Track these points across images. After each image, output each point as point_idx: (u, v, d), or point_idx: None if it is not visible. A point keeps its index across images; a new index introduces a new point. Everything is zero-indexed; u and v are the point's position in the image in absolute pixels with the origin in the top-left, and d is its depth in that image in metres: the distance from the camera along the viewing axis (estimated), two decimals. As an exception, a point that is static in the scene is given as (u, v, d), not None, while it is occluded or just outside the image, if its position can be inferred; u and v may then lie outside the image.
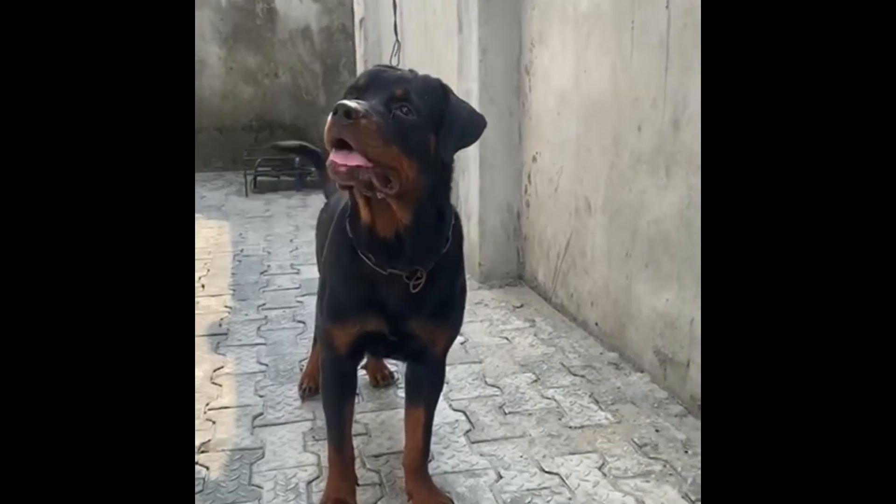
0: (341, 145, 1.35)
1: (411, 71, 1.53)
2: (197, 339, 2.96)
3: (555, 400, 2.39)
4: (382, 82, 1.44)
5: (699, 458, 2.01)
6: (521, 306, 3.34)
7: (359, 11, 7.18)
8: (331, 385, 1.77)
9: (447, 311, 1.69)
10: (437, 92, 1.51)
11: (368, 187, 1.41)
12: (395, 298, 1.60)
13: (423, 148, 1.45)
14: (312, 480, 1.95)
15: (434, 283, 1.60)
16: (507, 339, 2.94)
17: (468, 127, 1.57)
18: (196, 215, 5.44)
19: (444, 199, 1.61)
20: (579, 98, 2.87)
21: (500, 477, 1.96)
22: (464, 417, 2.29)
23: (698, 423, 2.19)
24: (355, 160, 1.35)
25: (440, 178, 1.55)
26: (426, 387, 1.80)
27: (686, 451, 2.05)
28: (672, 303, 2.32)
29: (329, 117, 1.34)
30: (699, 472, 1.94)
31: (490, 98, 3.41)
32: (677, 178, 2.22)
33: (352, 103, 1.33)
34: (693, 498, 1.84)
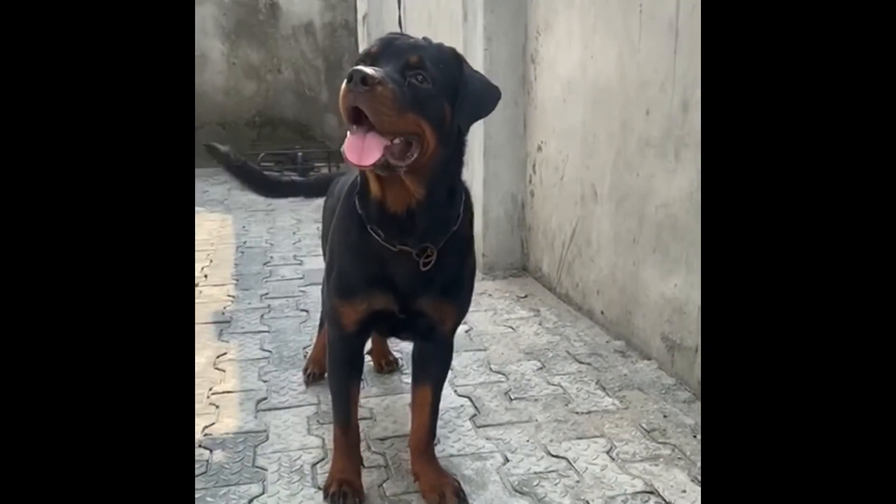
0: (356, 113, 1.32)
1: (425, 39, 1.50)
2: (200, 327, 2.94)
3: (561, 386, 2.37)
4: (396, 49, 1.41)
5: (708, 442, 1.98)
6: (526, 296, 3.32)
7: (362, 7, 7.17)
8: (338, 363, 1.75)
9: (456, 288, 1.67)
10: (452, 61, 1.47)
11: (384, 167, 1.39)
12: (403, 276, 1.57)
13: (439, 118, 1.42)
14: (317, 462, 1.92)
15: (444, 260, 1.57)
16: (511, 327, 2.92)
17: (483, 97, 1.54)
18: (198, 208, 5.42)
19: (457, 174, 1.59)
20: (586, 84, 2.85)
21: (507, 460, 1.93)
22: (469, 403, 2.26)
23: (707, 409, 2.17)
24: (370, 156, 1.32)
25: (453, 152, 1.52)
26: (434, 366, 1.78)
27: (695, 436, 2.03)
28: (681, 288, 2.30)
29: (343, 84, 1.31)
30: (708, 456, 1.92)
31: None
32: (687, 161, 2.20)
33: (368, 70, 1.30)
34: (703, 481, 1.81)
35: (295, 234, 4.64)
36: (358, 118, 1.33)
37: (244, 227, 4.90)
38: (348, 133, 1.37)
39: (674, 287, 2.34)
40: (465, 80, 1.47)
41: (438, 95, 1.41)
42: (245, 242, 4.45)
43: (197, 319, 3.02)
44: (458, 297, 1.68)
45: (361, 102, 1.29)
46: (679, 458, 1.92)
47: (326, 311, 1.76)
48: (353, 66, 1.35)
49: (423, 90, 1.37)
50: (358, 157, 1.33)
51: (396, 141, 1.36)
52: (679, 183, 2.26)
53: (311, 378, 2.38)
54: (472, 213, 1.70)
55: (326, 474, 1.83)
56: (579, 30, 2.86)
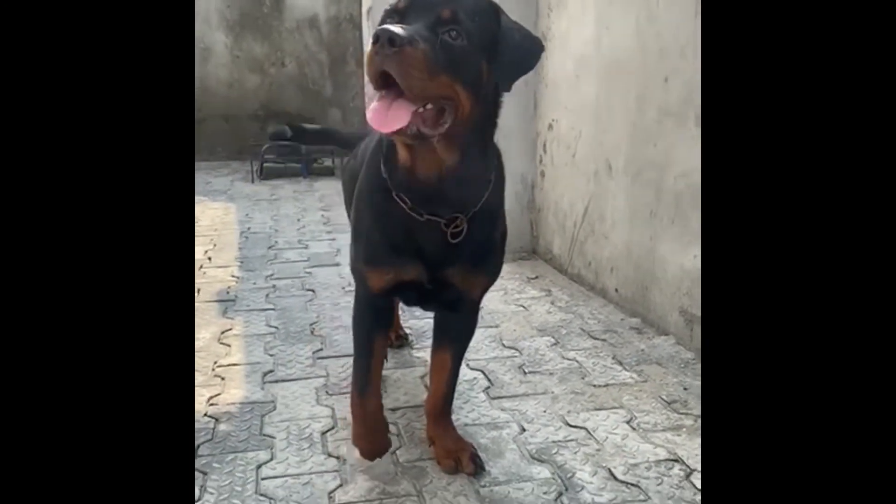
0: (385, 78, 1.20)
1: None
2: (203, 305, 2.87)
3: (576, 361, 2.30)
4: (426, 3, 1.26)
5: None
6: (536, 278, 3.25)
7: (367, 1, 7.12)
8: (362, 316, 1.62)
9: (486, 256, 1.55)
10: (488, 12, 1.33)
11: (416, 137, 1.27)
12: (432, 245, 1.46)
13: (476, 78, 1.29)
14: (327, 431, 1.86)
15: (474, 229, 1.46)
16: (523, 306, 2.85)
17: (524, 52, 1.38)
18: (202, 198, 5.35)
19: (490, 137, 1.46)
20: (600, 58, 2.79)
21: (524, 430, 1.87)
22: (482, 375, 2.20)
23: (728, 382, 2.10)
24: (396, 122, 1.21)
25: (489, 114, 1.41)
26: (456, 332, 1.69)
27: (717, 408, 1.96)
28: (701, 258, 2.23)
29: (369, 46, 1.19)
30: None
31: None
32: (707, 127, 2.14)
33: (395, 28, 1.17)
34: (728, 450, 1.74)
35: (299, 221, 4.58)
36: (386, 83, 1.21)
37: (248, 214, 4.83)
38: (375, 98, 1.26)
39: (693, 258, 2.27)
40: (504, 33, 1.33)
41: (475, 53, 1.27)
42: (249, 228, 4.38)
43: (200, 298, 2.96)
44: (487, 265, 1.57)
45: (390, 66, 1.17)
46: (702, 429, 1.86)
47: (353, 271, 1.65)
48: (379, 25, 1.22)
49: (458, 48, 1.24)
50: (382, 122, 1.22)
51: (428, 107, 1.25)
52: (699, 151, 2.19)
53: None
54: (503, 176, 1.57)
55: (337, 442, 1.77)
56: (594, 2, 2.80)
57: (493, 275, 1.61)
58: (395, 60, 1.17)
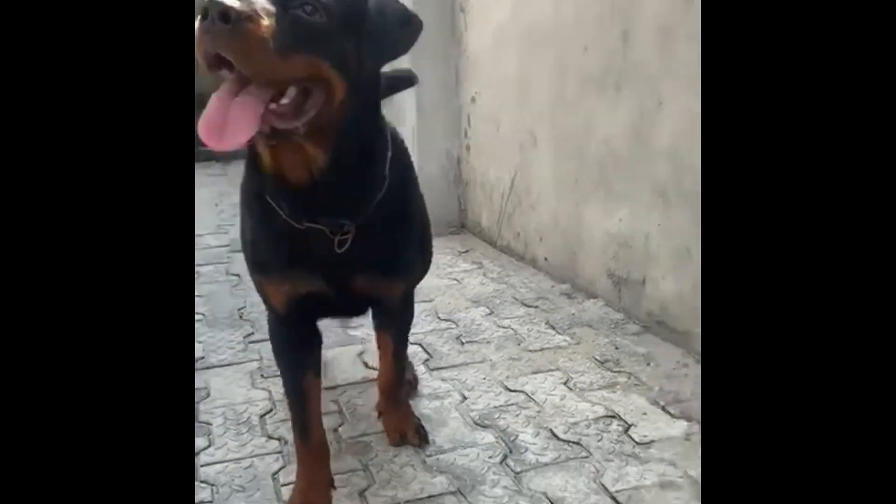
0: (219, 62, 0.98)
1: None
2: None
3: (511, 328, 2.34)
4: None
5: (663, 369, 1.99)
6: (467, 251, 3.27)
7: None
8: (280, 351, 1.45)
9: (399, 260, 1.38)
10: None
11: (273, 136, 1.08)
12: (323, 256, 1.25)
13: (341, 59, 1.08)
14: (266, 414, 1.82)
15: (373, 234, 1.27)
16: (456, 280, 2.87)
17: (397, 31, 1.18)
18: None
19: (373, 129, 1.25)
20: (518, 29, 2.81)
21: (465, 398, 1.88)
22: (420, 349, 2.20)
23: (657, 339, 2.18)
24: (238, 133, 0.99)
25: (367, 102, 1.20)
26: (391, 320, 1.66)
27: (648, 364, 2.03)
28: (626, 222, 2.29)
29: (197, 23, 0.95)
30: (665, 380, 1.92)
31: (423, 41, 3.29)
32: (628, 93, 2.19)
33: (229, 1, 0.94)
34: (662, 403, 1.81)
35: (217, 206, 4.41)
36: (224, 64, 0.99)
37: (162, 201, 4.63)
38: (213, 95, 1.02)
39: (619, 222, 2.33)
40: (371, 9, 1.12)
41: (336, 31, 1.07)
42: (165, 216, 4.20)
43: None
44: (402, 269, 1.41)
45: (223, 47, 0.95)
46: (636, 385, 1.92)
47: (255, 284, 1.41)
48: None
49: (315, 25, 1.04)
50: (217, 135, 0.98)
51: (285, 100, 1.05)
52: (620, 117, 2.24)
53: None
54: (407, 166, 1.40)
55: (276, 424, 1.74)
56: (511, -27, 2.81)
57: (412, 275, 1.50)
58: (230, 39, 0.95)
